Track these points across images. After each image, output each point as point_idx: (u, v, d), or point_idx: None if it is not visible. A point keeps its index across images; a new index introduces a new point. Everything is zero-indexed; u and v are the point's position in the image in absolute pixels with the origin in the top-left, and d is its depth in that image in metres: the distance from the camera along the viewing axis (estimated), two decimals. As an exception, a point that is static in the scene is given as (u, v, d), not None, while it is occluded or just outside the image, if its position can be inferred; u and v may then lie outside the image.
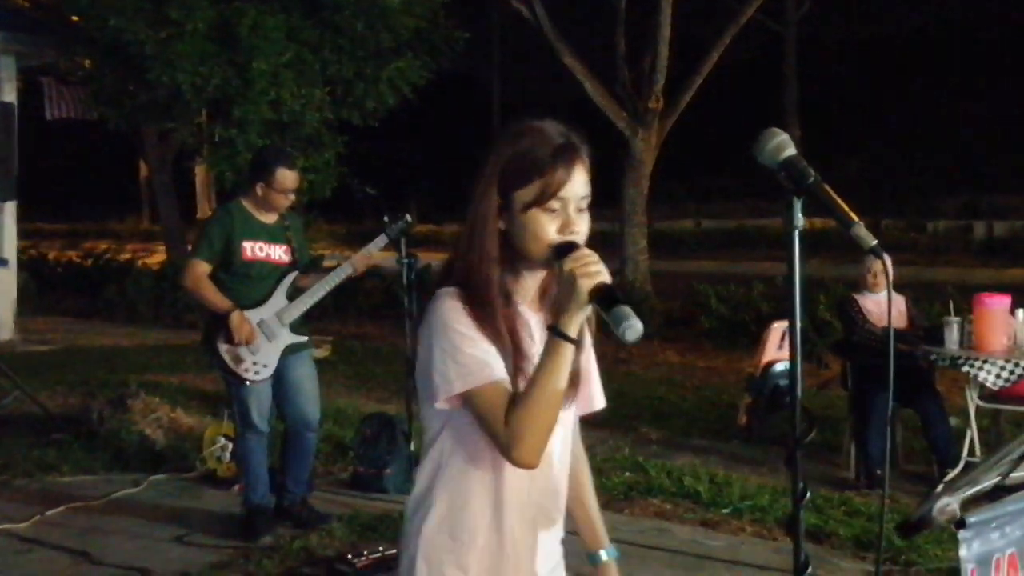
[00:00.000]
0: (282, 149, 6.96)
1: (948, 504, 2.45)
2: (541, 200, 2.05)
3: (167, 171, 18.35)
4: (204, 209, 18.14)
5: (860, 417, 6.82)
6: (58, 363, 11.40)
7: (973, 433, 6.65)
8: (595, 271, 1.97)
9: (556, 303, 2.06)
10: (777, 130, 1.95)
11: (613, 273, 2.07)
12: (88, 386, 9.75)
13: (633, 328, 1.93)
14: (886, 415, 6.74)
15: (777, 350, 7.70)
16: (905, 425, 7.36)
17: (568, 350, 1.99)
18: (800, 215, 1.94)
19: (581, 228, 2.08)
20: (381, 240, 5.56)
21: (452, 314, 2.05)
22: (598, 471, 6.75)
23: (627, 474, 6.79)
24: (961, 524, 2.48)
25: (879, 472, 6.57)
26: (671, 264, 19.71)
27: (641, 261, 15.37)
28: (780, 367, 7.61)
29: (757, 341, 11.34)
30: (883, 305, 7.07)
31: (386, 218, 5.52)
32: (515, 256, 2.10)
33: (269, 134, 11.92)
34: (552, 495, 2.23)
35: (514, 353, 2.09)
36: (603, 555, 2.40)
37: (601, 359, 2.22)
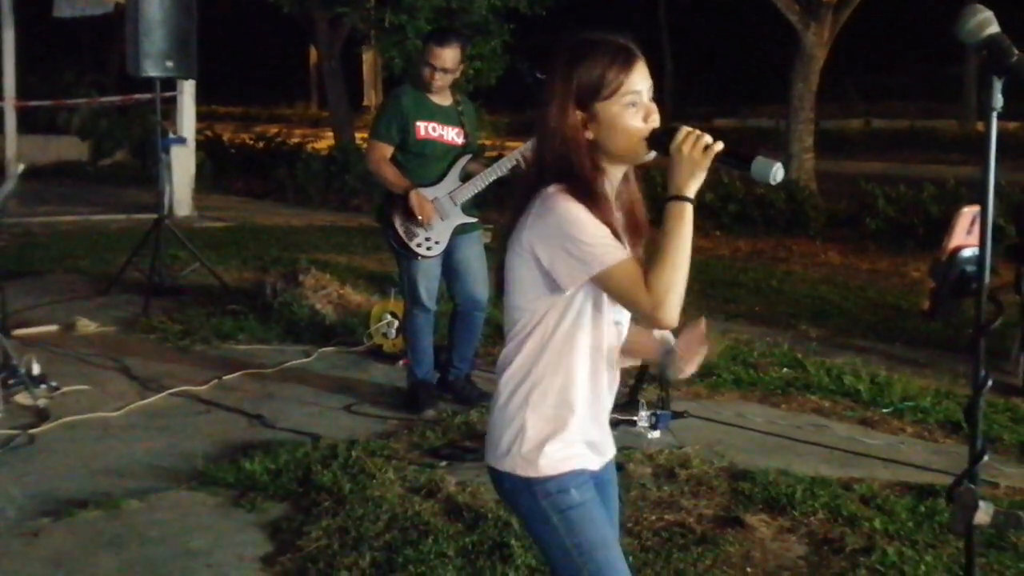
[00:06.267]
0: (443, 28, 6.97)
1: None
2: (622, 99, 2.28)
3: (336, 57, 18.61)
4: (371, 96, 18.40)
5: (1033, 324, 6.62)
6: (233, 239, 11.84)
7: None
8: (708, 140, 2.20)
9: (672, 177, 2.25)
10: (980, 6, 1.90)
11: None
12: (262, 261, 10.16)
13: (779, 169, 2.15)
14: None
15: (966, 235, 7.42)
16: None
17: (691, 210, 2.22)
18: (1000, 96, 1.90)
19: (657, 115, 2.32)
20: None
21: (573, 206, 2.25)
22: (755, 366, 6.76)
23: (785, 370, 6.75)
24: None
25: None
26: (838, 164, 19.16)
27: (807, 159, 14.97)
28: (968, 253, 7.31)
29: (924, 244, 11.08)
30: (1062, 209, 6.81)
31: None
32: (602, 159, 2.34)
33: (438, 20, 11.98)
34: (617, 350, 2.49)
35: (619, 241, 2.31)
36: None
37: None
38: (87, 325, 7.55)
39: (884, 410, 6.01)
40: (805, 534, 4.30)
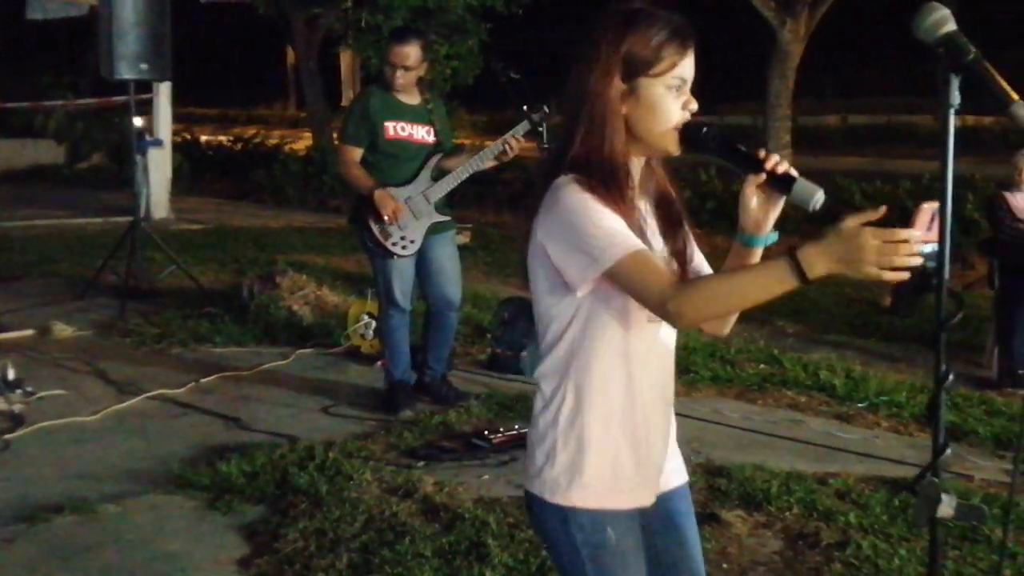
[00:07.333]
0: (404, 27, 6.95)
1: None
2: (667, 80, 2.10)
3: (314, 58, 18.58)
4: (349, 97, 18.37)
5: (1005, 316, 6.68)
6: (210, 241, 11.81)
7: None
8: (906, 254, 1.89)
9: (819, 247, 1.93)
10: (936, 4, 1.92)
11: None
12: (239, 264, 10.13)
13: (822, 197, 2.02)
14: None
15: (925, 231, 7.50)
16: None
17: (791, 284, 1.92)
18: (957, 93, 1.92)
19: (696, 106, 2.14)
20: (523, 127, 5.59)
21: (583, 198, 2.06)
22: (731, 362, 6.79)
23: (761, 366, 6.79)
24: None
25: (1022, 372, 6.44)
26: (815, 160, 19.20)
27: (784, 156, 14.99)
28: (927, 249, 7.39)
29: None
30: (1032, 203, 6.87)
31: (525, 107, 5.56)
32: (631, 141, 2.14)
33: (414, 20, 11.98)
34: (669, 373, 2.28)
35: (639, 233, 2.11)
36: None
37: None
38: (63, 329, 7.52)
39: (859, 405, 6.05)
40: (781, 529, 4.32)
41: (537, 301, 2.20)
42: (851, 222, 1.89)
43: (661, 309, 2.01)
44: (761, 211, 2.13)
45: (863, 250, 1.87)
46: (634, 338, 2.15)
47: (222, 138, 21.47)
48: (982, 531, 4.15)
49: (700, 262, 2.29)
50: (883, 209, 1.90)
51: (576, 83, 2.13)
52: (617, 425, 2.17)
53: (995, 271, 6.98)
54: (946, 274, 1.98)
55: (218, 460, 4.92)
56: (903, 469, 4.96)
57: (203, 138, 21.30)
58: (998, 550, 3.99)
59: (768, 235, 2.15)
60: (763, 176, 2.06)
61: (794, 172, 2.05)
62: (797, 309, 8.65)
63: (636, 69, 2.09)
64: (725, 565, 4.01)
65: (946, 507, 2.03)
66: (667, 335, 2.23)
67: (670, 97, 2.10)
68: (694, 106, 2.13)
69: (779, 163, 2.06)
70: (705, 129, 2.11)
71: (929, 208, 7.57)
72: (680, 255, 2.22)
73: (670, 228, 2.23)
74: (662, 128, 2.11)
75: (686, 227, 2.25)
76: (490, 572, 3.87)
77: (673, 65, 2.09)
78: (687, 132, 2.11)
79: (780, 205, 2.12)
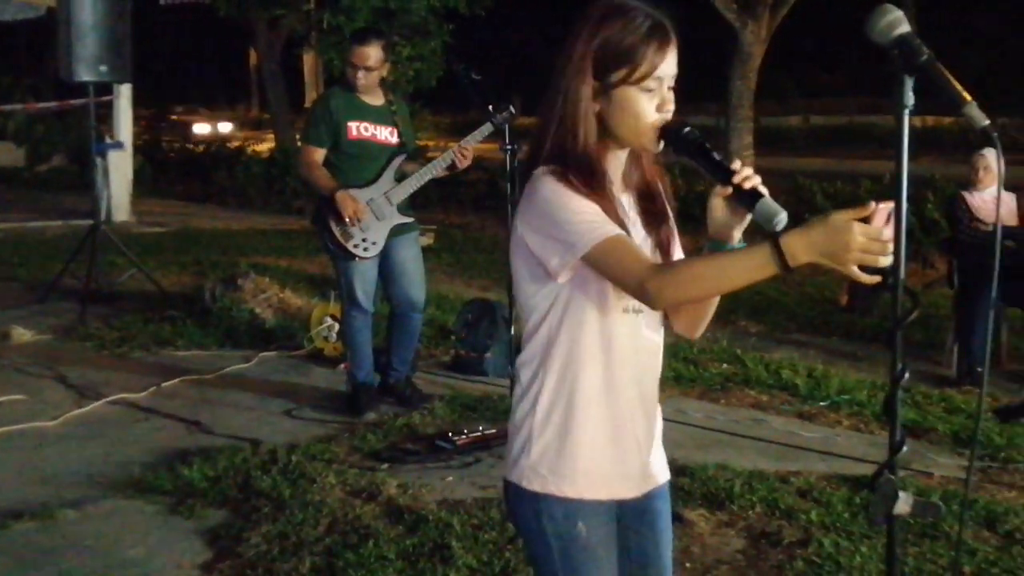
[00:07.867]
0: (364, 28, 6.95)
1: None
2: (640, 80, 2.07)
3: (276, 59, 18.52)
4: (312, 97, 18.33)
5: (964, 315, 6.74)
6: (172, 244, 11.75)
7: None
8: (888, 254, 1.89)
9: (803, 233, 1.89)
10: (890, 6, 1.93)
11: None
12: (201, 266, 10.08)
13: (783, 219, 1.96)
14: (989, 313, 6.64)
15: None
16: (1011, 325, 7.26)
17: (772, 269, 1.91)
18: (911, 94, 1.93)
19: (673, 106, 2.11)
20: (486, 128, 5.59)
21: (558, 188, 2.06)
22: (694, 362, 6.82)
23: (724, 365, 6.82)
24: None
25: (980, 370, 6.51)
26: (777, 161, 19.34)
27: (746, 157, 15.04)
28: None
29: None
30: (991, 203, 6.92)
31: (491, 108, 5.55)
32: (607, 136, 2.13)
33: (376, 21, 11.95)
34: (654, 369, 2.27)
35: (619, 223, 2.09)
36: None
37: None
38: (22, 334, 7.45)
39: (821, 403, 6.09)
40: (743, 528, 4.34)
41: (518, 293, 2.19)
42: (841, 215, 1.87)
43: (640, 289, 2.00)
44: (726, 223, 2.10)
45: (849, 246, 1.86)
46: (613, 329, 2.14)
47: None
48: (942, 528, 4.20)
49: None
50: (872, 205, 1.89)
51: (555, 77, 2.13)
52: (595, 416, 2.16)
53: (955, 271, 7.05)
54: (901, 273, 1.99)
55: (180, 464, 4.89)
56: (864, 467, 4.99)
57: (165, 140, 21.18)
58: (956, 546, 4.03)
59: (736, 245, 2.12)
60: (730, 189, 2.03)
61: (763, 189, 2.01)
62: (759, 308, 8.70)
63: (608, 69, 2.07)
64: (688, 564, 4.02)
65: (903, 504, 2.04)
66: (651, 329, 2.22)
67: (644, 98, 2.08)
68: (671, 106, 2.10)
69: (748, 178, 2.02)
70: (687, 130, 2.09)
71: (885, 208, 7.60)
72: (663, 248, 2.21)
73: (653, 221, 2.22)
74: (636, 127, 2.10)
75: (670, 222, 2.25)
76: (454, 574, 3.86)
77: (647, 67, 2.06)
78: (668, 132, 2.09)
79: (747, 219, 2.09)
